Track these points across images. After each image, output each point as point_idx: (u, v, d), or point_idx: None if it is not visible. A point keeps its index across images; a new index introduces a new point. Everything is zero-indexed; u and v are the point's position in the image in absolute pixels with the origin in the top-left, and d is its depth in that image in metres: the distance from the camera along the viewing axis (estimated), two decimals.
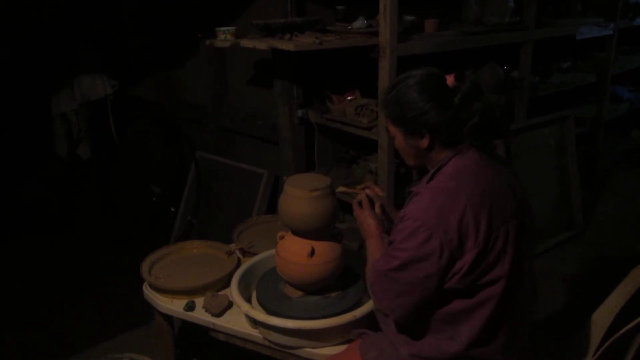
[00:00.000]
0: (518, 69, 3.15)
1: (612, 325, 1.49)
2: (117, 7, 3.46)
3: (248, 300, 1.81)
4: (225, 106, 3.39)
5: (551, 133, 3.33)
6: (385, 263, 1.31)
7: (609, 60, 3.78)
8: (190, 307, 1.86)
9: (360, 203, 1.59)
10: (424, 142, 1.34)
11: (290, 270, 1.72)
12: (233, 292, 1.79)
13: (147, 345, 2.40)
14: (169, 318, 1.97)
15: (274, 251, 1.81)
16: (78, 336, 2.55)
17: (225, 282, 1.93)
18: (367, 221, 1.54)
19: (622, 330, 1.35)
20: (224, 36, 2.55)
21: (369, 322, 1.65)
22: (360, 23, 2.48)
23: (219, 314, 1.81)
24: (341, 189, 1.77)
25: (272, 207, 3.15)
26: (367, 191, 1.63)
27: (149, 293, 1.96)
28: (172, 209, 3.52)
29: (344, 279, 1.83)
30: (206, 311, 1.83)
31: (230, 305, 1.85)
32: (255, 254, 2.05)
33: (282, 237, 1.76)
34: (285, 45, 2.29)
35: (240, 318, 1.79)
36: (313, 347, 1.66)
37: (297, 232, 1.73)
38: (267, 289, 1.84)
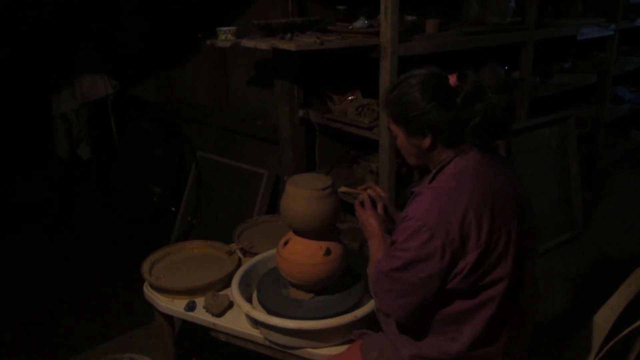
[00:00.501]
0: (519, 69, 3.15)
1: (613, 326, 1.48)
2: (117, 7, 3.46)
3: (249, 300, 1.80)
4: (225, 106, 3.39)
5: (552, 133, 3.33)
6: (387, 263, 1.31)
7: (609, 60, 3.78)
8: (190, 307, 1.85)
9: (362, 203, 1.59)
10: (426, 142, 1.33)
11: (302, 272, 1.71)
12: (234, 292, 1.78)
13: (147, 346, 2.40)
14: (169, 318, 1.97)
15: (275, 252, 1.80)
16: (78, 336, 2.55)
17: (226, 282, 1.93)
18: (369, 221, 1.54)
19: (625, 332, 1.35)
20: (225, 36, 2.55)
21: (370, 322, 1.64)
22: (361, 23, 2.48)
23: (219, 314, 1.81)
24: (343, 189, 1.77)
25: (272, 207, 3.15)
26: (369, 191, 1.63)
27: (149, 293, 1.95)
28: (173, 209, 3.52)
29: (345, 279, 1.83)
30: (207, 311, 1.82)
31: (230, 305, 1.84)
32: (255, 254, 2.05)
33: (286, 242, 1.75)
34: (286, 45, 2.29)
35: (241, 318, 1.79)
36: (314, 348, 1.66)
37: (298, 232, 1.73)
38: (268, 289, 1.84)
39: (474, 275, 1.25)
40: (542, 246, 3.14)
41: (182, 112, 3.66)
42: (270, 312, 1.71)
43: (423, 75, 1.32)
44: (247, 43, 2.44)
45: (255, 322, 1.72)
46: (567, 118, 3.38)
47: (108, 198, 3.60)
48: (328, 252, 1.69)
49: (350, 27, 2.51)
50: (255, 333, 1.73)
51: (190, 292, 1.90)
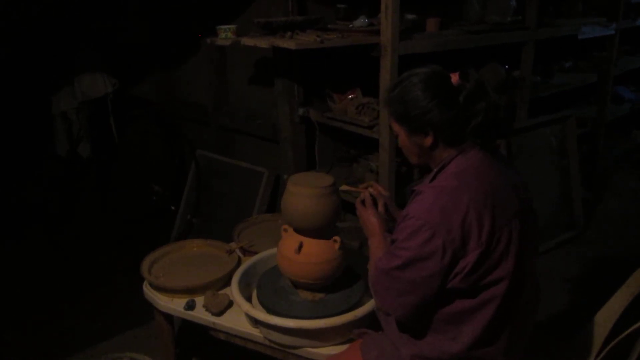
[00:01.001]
0: (519, 68, 3.15)
1: (614, 327, 1.48)
2: (117, 6, 3.46)
3: (248, 299, 1.80)
4: (225, 105, 3.39)
5: (552, 133, 3.32)
6: (387, 262, 1.30)
7: (610, 60, 3.77)
8: (190, 306, 1.85)
9: (363, 202, 1.59)
10: (428, 141, 1.33)
11: (321, 272, 1.71)
12: (233, 291, 1.78)
13: (147, 345, 2.40)
14: (169, 317, 1.96)
15: (275, 250, 1.80)
16: (78, 336, 2.54)
17: (226, 281, 1.93)
18: (370, 220, 1.53)
19: (626, 332, 1.34)
20: (225, 34, 2.54)
21: (370, 321, 1.64)
22: (361, 21, 2.48)
23: (219, 313, 1.81)
24: (344, 187, 1.76)
25: (272, 206, 3.15)
26: (370, 190, 1.62)
27: (149, 292, 1.95)
28: (172, 208, 3.52)
29: (345, 278, 1.83)
30: (206, 310, 1.82)
31: (230, 304, 1.84)
32: (255, 253, 2.05)
33: (300, 247, 1.75)
34: (287, 43, 2.28)
35: (241, 317, 1.78)
36: (314, 347, 1.65)
37: (299, 230, 1.73)
38: (268, 288, 1.83)
39: (475, 274, 1.24)
40: (542, 246, 3.13)
41: (182, 111, 3.66)
42: (270, 311, 1.71)
43: (425, 74, 1.32)
44: (247, 41, 2.44)
45: (255, 322, 1.71)
46: (567, 118, 3.38)
47: (108, 197, 3.60)
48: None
49: (351, 25, 2.50)
50: (255, 332, 1.73)
51: (190, 291, 1.89)
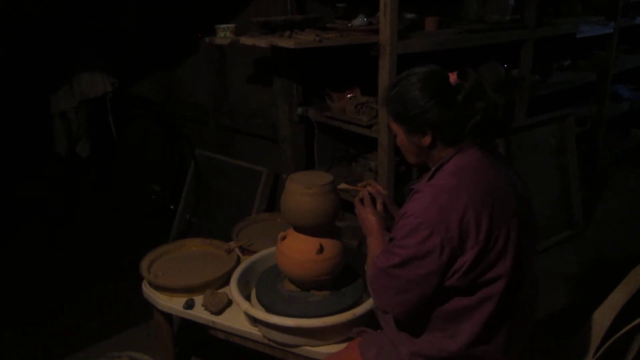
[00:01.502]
0: (518, 67, 3.15)
1: (612, 324, 1.48)
2: (117, 6, 3.45)
3: (247, 298, 1.80)
4: (225, 105, 3.39)
5: (551, 132, 3.32)
6: (385, 260, 1.30)
7: (609, 59, 3.77)
8: (189, 305, 1.85)
9: (361, 200, 1.59)
10: (426, 140, 1.33)
11: (298, 268, 1.72)
12: (232, 290, 1.78)
13: (146, 344, 2.40)
14: (168, 316, 1.97)
15: (274, 249, 1.80)
16: (78, 335, 2.54)
17: (225, 280, 1.93)
18: (369, 218, 1.53)
19: (623, 330, 1.35)
20: (224, 33, 2.54)
21: (369, 320, 1.64)
22: (360, 21, 2.48)
23: (218, 312, 1.81)
24: (343, 186, 1.77)
25: (271, 205, 3.15)
26: (369, 188, 1.62)
27: (148, 291, 1.95)
28: (172, 207, 3.52)
29: (343, 277, 1.83)
30: (205, 309, 1.82)
31: (229, 303, 1.84)
32: (254, 252, 2.05)
33: (284, 237, 1.76)
34: (285, 42, 2.29)
35: (240, 316, 1.79)
36: (313, 346, 1.66)
37: (298, 229, 1.73)
38: (267, 286, 1.84)
39: (472, 273, 1.25)
40: (541, 245, 3.13)
41: (182, 111, 3.66)
42: (269, 310, 1.71)
43: (423, 73, 1.32)
44: (246, 40, 2.44)
45: (254, 320, 1.72)
46: (566, 116, 3.38)
47: (107, 196, 3.60)
48: (321, 249, 1.69)
49: (350, 24, 2.50)
50: (254, 331, 1.73)
51: (189, 290, 1.90)
